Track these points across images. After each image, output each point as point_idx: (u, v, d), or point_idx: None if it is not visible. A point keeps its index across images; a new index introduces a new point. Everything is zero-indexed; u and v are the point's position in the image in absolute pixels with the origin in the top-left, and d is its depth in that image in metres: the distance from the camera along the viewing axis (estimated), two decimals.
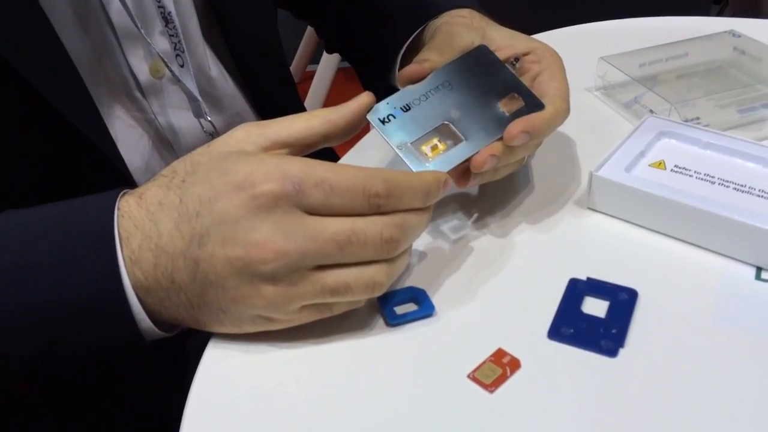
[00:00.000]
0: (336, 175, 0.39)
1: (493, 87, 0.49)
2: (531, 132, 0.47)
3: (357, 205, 0.39)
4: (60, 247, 0.39)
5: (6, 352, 0.39)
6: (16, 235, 0.40)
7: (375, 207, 0.39)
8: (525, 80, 0.51)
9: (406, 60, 0.59)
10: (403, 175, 0.41)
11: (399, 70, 0.58)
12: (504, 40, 0.54)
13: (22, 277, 0.38)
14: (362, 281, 0.40)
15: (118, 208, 0.40)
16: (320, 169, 0.39)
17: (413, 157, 0.45)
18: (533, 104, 0.48)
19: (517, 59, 0.52)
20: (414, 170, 0.44)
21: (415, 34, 0.58)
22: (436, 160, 0.45)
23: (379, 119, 0.46)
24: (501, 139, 0.46)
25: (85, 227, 0.39)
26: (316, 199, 0.38)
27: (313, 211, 0.39)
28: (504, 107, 0.48)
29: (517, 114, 0.48)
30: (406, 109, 0.47)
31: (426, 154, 0.45)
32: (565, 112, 0.50)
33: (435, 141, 0.46)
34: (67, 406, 0.44)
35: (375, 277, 0.40)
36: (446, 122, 0.47)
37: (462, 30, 0.54)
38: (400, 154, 0.45)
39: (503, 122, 0.47)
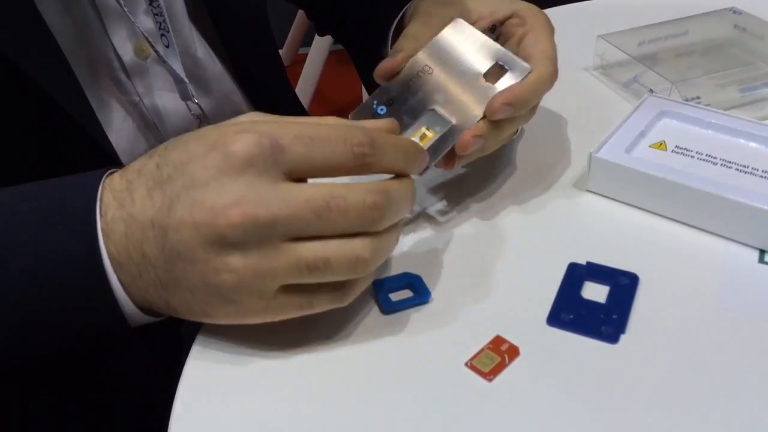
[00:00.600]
0: (315, 128, 0.37)
1: (475, 61, 0.47)
2: (513, 103, 0.45)
3: (340, 156, 0.36)
4: (39, 223, 0.37)
5: None
6: None
7: (360, 157, 0.36)
8: (510, 45, 0.49)
9: (398, 36, 0.57)
10: (382, 132, 0.39)
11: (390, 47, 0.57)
12: (485, 8, 0.52)
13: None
14: (344, 256, 0.36)
15: (103, 185, 0.38)
16: (298, 124, 0.37)
17: None
18: (518, 69, 0.46)
19: (494, 27, 0.50)
20: None
21: (405, 8, 0.57)
22: (427, 149, 0.44)
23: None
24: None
25: (66, 203, 0.37)
26: (295, 154, 0.36)
27: (293, 169, 0.36)
28: (489, 80, 0.46)
29: (502, 84, 0.46)
30: (390, 103, 0.46)
31: None
32: (551, 75, 0.47)
33: (423, 130, 0.45)
34: (50, 395, 0.42)
35: (358, 252, 0.36)
36: (432, 108, 0.45)
37: (438, 8, 0.52)
38: None
39: (488, 96, 0.45)
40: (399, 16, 0.57)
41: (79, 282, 0.36)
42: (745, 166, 0.50)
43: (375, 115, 0.46)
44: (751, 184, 0.48)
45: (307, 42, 1.86)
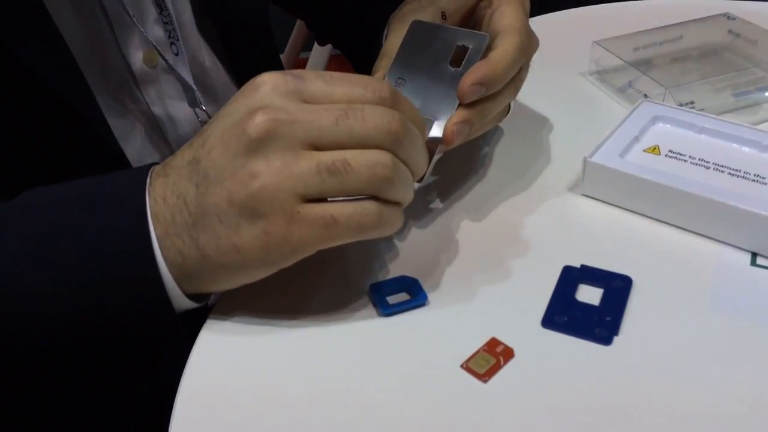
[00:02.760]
0: (339, 73, 0.39)
1: (438, 53, 0.47)
2: (483, 82, 0.45)
3: (360, 96, 0.38)
4: (90, 214, 0.39)
5: (30, 330, 0.38)
6: (45, 206, 0.40)
7: (380, 100, 0.38)
8: (484, 28, 0.49)
9: None
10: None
11: None
12: (452, 4, 0.51)
13: (49, 245, 0.38)
14: (364, 159, 0.37)
15: (151, 175, 0.40)
16: (323, 71, 0.39)
17: None
18: (476, 42, 0.46)
19: (443, 13, 0.50)
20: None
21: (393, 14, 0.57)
22: None
23: None
24: None
25: (117, 198, 0.39)
26: (314, 86, 0.38)
27: (312, 100, 0.38)
28: (455, 64, 0.46)
29: (468, 64, 0.45)
30: None
31: None
32: (518, 45, 0.46)
33: None
34: (90, 383, 0.43)
35: (378, 158, 0.37)
36: None
37: (409, 17, 0.51)
38: None
39: (458, 80, 0.45)
40: (387, 25, 0.58)
41: (128, 265, 0.38)
42: (737, 170, 0.50)
43: None
44: (744, 188, 0.49)
45: (307, 47, 1.87)
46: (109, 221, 0.39)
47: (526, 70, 0.50)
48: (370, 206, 0.38)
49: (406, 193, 0.39)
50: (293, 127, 0.37)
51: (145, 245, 0.38)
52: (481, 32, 0.47)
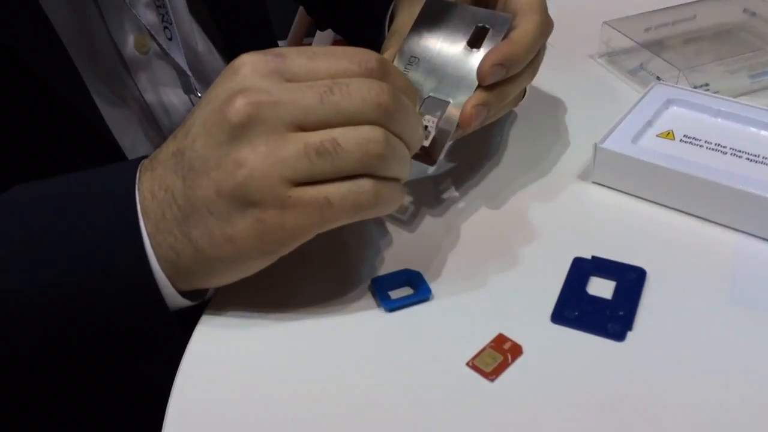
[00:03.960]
0: (322, 48, 0.37)
1: (456, 32, 0.45)
2: (504, 62, 0.43)
3: (345, 70, 0.36)
4: (78, 212, 0.38)
5: (21, 325, 0.37)
6: (32, 204, 0.39)
7: (367, 72, 0.36)
8: (499, 7, 0.47)
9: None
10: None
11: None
12: None
13: (38, 243, 0.37)
14: (353, 136, 0.35)
15: (140, 170, 0.38)
16: (307, 46, 0.38)
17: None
18: (498, 23, 0.45)
19: None
20: (423, 164, 0.43)
21: None
22: (432, 139, 0.43)
23: None
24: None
25: (106, 195, 0.38)
26: (296, 63, 0.36)
27: (295, 78, 0.36)
28: (473, 46, 0.44)
29: (488, 44, 0.44)
30: None
31: (423, 140, 0.42)
32: (539, 26, 0.45)
33: (426, 120, 0.43)
34: (84, 381, 0.42)
35: (368, 134, 0.35)
36: (428, 95, 0.44)
37: None
38: None
39: (477, 62, 0.44)
40: (390, 6, 0.56)
41: (119, 262, 0.37)
42: (756, 156, 0.48)
43: None
44: (763, 174, 0.47)
45: (311, 32, 1.85)
46: (98, 219, 0.37)
47: (543, 52, 0.48)
48: (365, 184, 0.36)
49: (402, 168, 0.37)
50: (276, 109, 0.35)
51: (136, 243, 0.37)
52: (504, 13, 0.45)
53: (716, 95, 0.54)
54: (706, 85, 0.57)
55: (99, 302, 0.37)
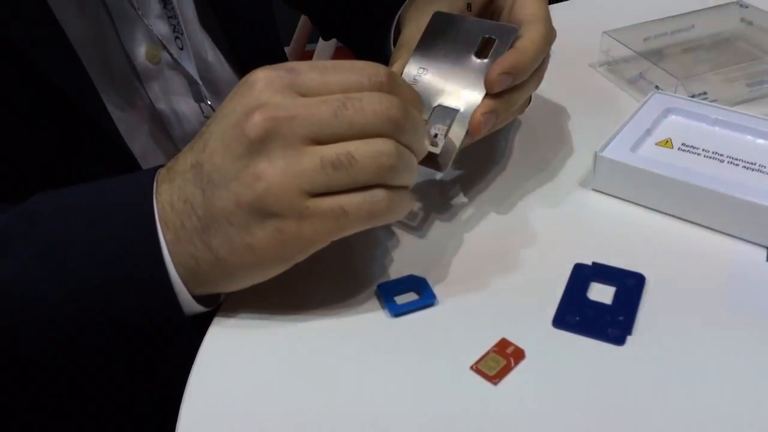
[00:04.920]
0: (333, 62, 0.39)
1: (462, 44, 0.46)
2: (511, 71, 0.44)
3: (355, 84, 0.38)
4: (98, 221, 0.39)
5: (39, 333, 0.38)
6: (53, 214, 0.39)
7: (376, 85, 0.38)
8: (503, 19, 0.49)
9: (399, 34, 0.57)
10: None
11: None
12: None
13: (59, 252, 0.38)
14: (367, 150, 0.37)
15: (159, 171, 0.40)
16: (318, 61, 0.39)
17: (424, 157, 0.43)
18: (504, 34, 0.46)
19: (469, 4, 0.50)
20: (433, 170, 0.44)
21: (401, 8, 0.57)
22: (442, 145, 0.44)
23: None
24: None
25: (123, 196, 0.39)
26: (309, 78, 0.38)
27: (308, 92, 0.37)
28: (480, 56, 0.46)
29: (495, 54, 0.45)
30: None
31: (432, 146, 0.43)
32: (544, 36, 0.46)
33: (436, 128, 0.44)
34: (100, 387, 0.43)
35: (381, 147, 0.37)
36: (437, 105, 0.45)
37: (427, 6, 0.51)
38: None
39: (485, 71, 0.45)
40: (396, 16, 0.57)
41: (138, 270, 0.38)
42: (752, 164, 0.49)
43: None
44: (759, 182, 0.48)
45: (314, 39, 1.86)
46: (117, 228, 0.38)
47: (547, 61, 0.49)
48: (379, 193, 0.37)
49: (411, 177, 0.39)
50: (292, 124, 0.36)
51: (155, 252, 0.38)
52: (510, 24, 0.46)
53: (714, 104, 0.54)
54: (705, 93, 0.58)
55: (118, 310, 0.38)
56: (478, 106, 0.44)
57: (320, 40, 1.78)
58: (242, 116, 0.37)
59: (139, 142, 0.54)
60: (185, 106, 0.56)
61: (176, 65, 0.54)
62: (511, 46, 0.46)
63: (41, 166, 0.48)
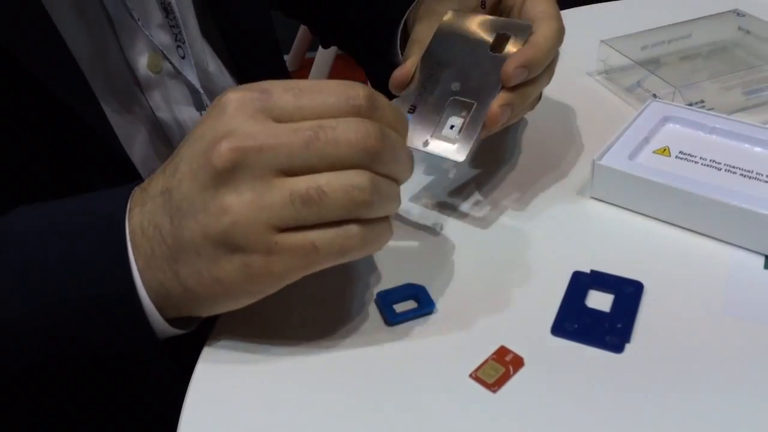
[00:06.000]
0: (307, 82, 0.37)
1: (477, 40, 0.48)
2: (527, 65, 0.45)
3: (332, 107, 0.36)
4: (71, 241, 0.38)
5: (11, 348, 0.38)
6: (28, 229, 0.39)
7: (353, 109, 0.36)
8: (513, 16, 0.50)
9: (406, 38, 0.58)
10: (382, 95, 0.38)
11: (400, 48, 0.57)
12: None
13: (31, 271, 0.38)
14: (338, 184, 0.35)
15: (134, 191, 0.39)
16: (294, 80, 0.37)
17: (442, 148, 0.45)
18: (519, 30, 0.47)
19: (483, 3, 0.51)
20: (451, 159, 0.44)
21: (408, 12, 0.57)
22: (461, 136, 0.45)
23: None
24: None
25: (96, 213, 0.38)
26: (283, 100, 0.36)
27: (281, 115, 0.36)
28: (495, 51, 0.47)
29: (510, 49, 0.47)
30: (412, 110, 0.47)
31: (450, 138, 0.45)
32: (556, 32, 0.47)
33: (452, 120, 0.46)
34: (73, 403, 0.43)
35: (354, 180, 0.35)
36: (453, 98, 0.46)
37: (438, 6, 0.52)
38: (429, 152, 0.45)
39: (501, 65, 0.46)
40: (402, 20, 0.57)
41: (109, 294, 0.37)
42: (749, 171, 0.49)
43: None
44: (756, 190, 0.48)
45: (313, 46, 1.86)
46: (89, 249, 0.37)
47: (557, 59, 0.50)
48: (352, 229, 0.36)
49: (390, 206, 0.37)
50: (261, 155, 0.35)
51: (125, 275, 0.37)
52: (524, 21, 0.48)
53: (711, 112, 0.55)
54: (702, 102, 0.58)
55: (89, 331, 0.37)
56: (496, 99, 0.45)
57: (319, 48, 1.78)
58: (210, 144, 0.35)
59: (140, 151, 0.54)
60: (186, 114, 0.56)
61: (177, 74, 0.54)
62: (525, 42, 0.47)
63: (39, 174, 0.48)
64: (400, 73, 0.48)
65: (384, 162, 0.36)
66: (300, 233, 0.35)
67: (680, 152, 0.52)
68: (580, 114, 0.60)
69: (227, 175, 0.35)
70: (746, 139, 0.52)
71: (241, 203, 0.35)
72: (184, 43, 0.54)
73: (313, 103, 0.36)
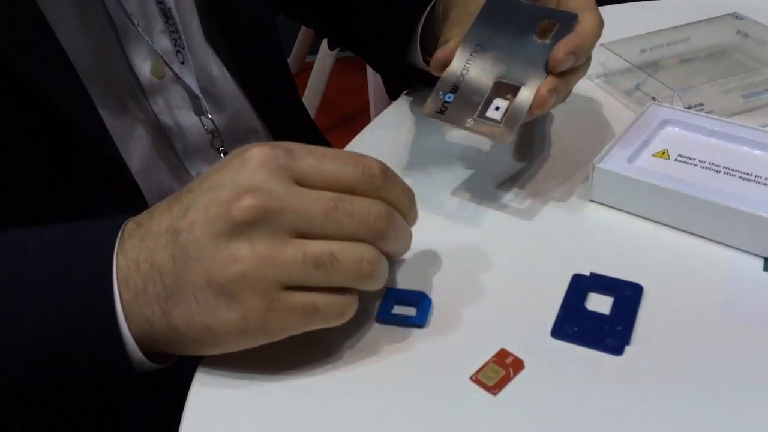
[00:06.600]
0: (331, 150, 0.39)
1: (522, 26, 0.49)
2: (575, 51, 0.47)
3: (350, 175, 0.38)
4: (55, 273, 0.37)
5: None
6: (13, 256, 0.39)
7: (369, 179, 0.38)
8: (551, 5, 0.51)
9: (425, 38, 0.58)
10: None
11: (420, 46, 0.58)
12: None
13: (12, 300, 0.37)
14: (350, 253, 0.37)
15: (126, 222, 0.38)
16: (316, 146, 0.39)
17: (487, 129, 0.46)
18: (565, 19, 0.49)
19: None
20: (498, 140, 0.46)
21: (430, 5, 0.58)
22: (507, 118, 0.46)
23: (436, 112, 0.46)
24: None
25: (83, 257, 0.38)
26: (306, 163, 0.37)
27: (303, 176, 0.37)
28: (541, 38, 0.48)
29: (556, 37, 0.48)
30: (455, 90, 0.47)
31: (495, 119, 0.46)
32: (599, 22, 0.50)
33: (497, 102, 0.46)
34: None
35: (364, 253, 0.37)
36: (497, 80, 0.47)
37: None
38: (474, 131, 0.46)
39: (548, 51, 0.47)
40: (424, 14, 0.58)
41: (90, 328, 0.37)
42: (748, 174, 0.50)
43: (443, 105, 0.47)
44: (755, 192, 0.48)
45: (313, 50, 1.87)
46: (73, 282, 0.37)
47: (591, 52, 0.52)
48: (352, 296, 0.38)
49: (382, 282, 0.39)
50: (282, 215, 0.36)
51: (108, 310, 0.37)
52: (570, 11, 0.49)
53: (710, 115, 0.55)
54: (701, 105, 0.58)
55: (69, 362, 0.37)
56: (543, 83, 0.47)
57: (320, 52, 1.79)
58: (232, 194, 0.36)
59: (141, 156, 0.54)
60: (187, 119, 0.56)
61: (178, 79, 0.54)
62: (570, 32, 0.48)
63: (37, 182, 0.48)
64: (442, 54, 0.49)
65: (388, 241, 0.39)
66: (303, 293, 0.36)
67: (679, 155, 0.52)
68: (579, 117, 0.60)
69: (245, 227, 0.36)
70: (745, 142, 0.52)
71: (253, 255, 0.36)
72: (183, 48, 0.54)
73: (333, 168, 0.38)
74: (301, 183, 0.37)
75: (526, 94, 0.46)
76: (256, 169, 0.36)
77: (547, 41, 0.48)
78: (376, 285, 0.39)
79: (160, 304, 0.37)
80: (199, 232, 0.36)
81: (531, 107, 0.46)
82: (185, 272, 0.36)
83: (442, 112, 0.47)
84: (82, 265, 0.37)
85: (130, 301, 0.37)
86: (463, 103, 0.47)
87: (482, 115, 0.46)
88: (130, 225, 0.38)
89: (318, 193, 0.37)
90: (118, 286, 0.37)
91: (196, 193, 0.37)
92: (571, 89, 0.52)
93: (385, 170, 0.39)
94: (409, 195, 0.41)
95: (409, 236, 0.41)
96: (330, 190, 0.37)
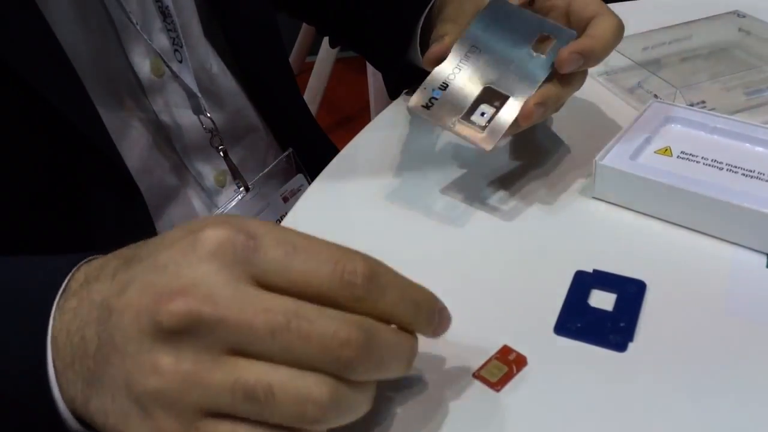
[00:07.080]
0: (306, 239, 0.31)
1: (520, 35, 0.48)
2: (583, 52, 0.46)
3: (324, 278, 0.30)
4: None
5: None
6: None
7: (348, 286, 0.30)
8: (559, 16, 0.51)
9: (425, 36, 0.58)
10: (392, 270, 0.32)
11: (419, 46, 0.58)
12: None
13: None
14: (292, 389, 0.29)
15: (79, 267, 0.34)
16: (289, 231, 0.31)
17: (469, 132, 0.45)
18: (563, 36, 0.48)
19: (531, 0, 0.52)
20: (478, 146, 0.45)
21: (431, 3, 0.57)
22: (490, 126, 0.45)
23: (422, 106, 0.46)
24: (544, 83, 0.47)
25: (21, 304, 0.33)
26: (270, 257, 0.30)
27: (264, 274, 0.30)
28: (537, 50, 0.48)
29: (552, 52, 0.47)
30: (444, 87, 0.47)
31: (479, 124, 0.45)
32: (616, 26, 0.48)
33: (483, 108, 0.46)
34: None
35: (312, 390, 0.29)
36: (487, 86, 0.47)
37: None
38: (456, 133, 0.45)
39: (542, 66, 0.47)
40: (424, 13, 0.57)
41: (21, 386, 0.33)
42: (751, 171, 0.50)
43: (431, 100, 0.47)
44: (758, 189, 0.48)
45: (313, 51, 1.87)
46: (7, 330, 0.33)
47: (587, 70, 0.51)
48: None
49: (350, 418, 0.31)
50: (217, 327, 0.29)
51: (40, 375, 0.32)
52: (569, 28, 0.48)
53: (712, 112, 0.55)
54: (703, 102, 0.58)
55: None
56: (532, 96, 0.46)
57: (320, 52, 1.79)
58: (164, 290, 0.30)
59: (140, 155, 0.54)
60: (185, 117, 0.56)
61: (176, 77, 0.54)
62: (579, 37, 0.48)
63: (36, 180, 0.48)
64: (437, 49, 0.49)
65: (359, 372, 0.30)
66: (227, 424, 0.30)
67: (682, 152, 0.52)
68: (581, 115, 0.60)
69: (171, 335, 0.30)
70: (747, 139, 0.52)
71: (176, 371, 0.29)
72: (181, 47, 0.54)
73: (304, 267, 0.30)
74: (260, 282, 0.30)
75: (513, 106, 0.46)
76: (204, 258, 0.30)
77: (543, 56, 0.47)
78: (333, 424, 0.31)
79: (82, 387, 0.32)
80: (128, 321, 0.30)
81: (517, 119, 0.46)
82: (107, 364, 0.31)
83: (427, 107, 0.46)
84: (14, 321, 0.33)
85: (61, 369, 0.32)
86: (449, 103, 0.46)
87: (467, 118, 0.46)
88: (81, 272, 0.34)
89: (271, 302, 0.30)
90: (51, 349, 0.32)
91: (139, 268, 0.31)
92: (563, 102, 0.51)
93: (373, 275, 0.31)
94: (414, 303, 0.33)
95: (406, 355, 0.33)
96: (294, 296, 0.30)
